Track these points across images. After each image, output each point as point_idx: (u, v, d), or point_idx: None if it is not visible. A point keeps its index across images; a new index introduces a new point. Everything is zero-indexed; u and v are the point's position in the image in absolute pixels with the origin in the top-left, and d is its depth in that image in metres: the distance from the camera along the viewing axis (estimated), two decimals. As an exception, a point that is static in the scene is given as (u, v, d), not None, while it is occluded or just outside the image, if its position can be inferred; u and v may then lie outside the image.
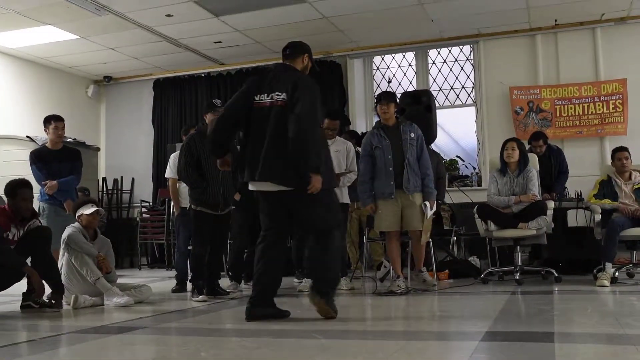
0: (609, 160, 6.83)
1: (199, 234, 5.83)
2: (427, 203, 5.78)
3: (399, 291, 5.62)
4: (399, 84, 10.01)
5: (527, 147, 7.35)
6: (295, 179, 4.11)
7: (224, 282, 6.29)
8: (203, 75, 10.64)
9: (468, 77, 9.65)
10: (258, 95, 4.27)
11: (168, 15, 8.09)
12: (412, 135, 5.79)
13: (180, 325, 4.46)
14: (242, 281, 6.71)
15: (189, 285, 6.28)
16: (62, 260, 5.47)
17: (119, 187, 11.04)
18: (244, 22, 8.45)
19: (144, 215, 10.33)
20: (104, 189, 10.99)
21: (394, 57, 10.11)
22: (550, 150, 7.55)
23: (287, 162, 4.08)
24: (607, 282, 5.72)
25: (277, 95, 4.20)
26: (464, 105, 9.68)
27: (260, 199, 4.35)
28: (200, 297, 5.61)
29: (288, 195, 4.19)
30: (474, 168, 9.41)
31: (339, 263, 4.63)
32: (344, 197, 6.27)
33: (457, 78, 9.73)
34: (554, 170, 7.45)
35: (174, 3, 7.66)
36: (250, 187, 4.36)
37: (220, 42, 9.27)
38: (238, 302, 5.47)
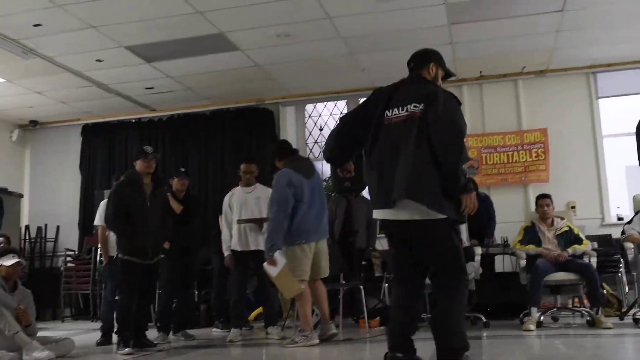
0: (533, 207, 7.05)
1: (126, 284, 5.66)
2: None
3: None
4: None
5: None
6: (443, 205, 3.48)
7: (152, 333, 6.11)
8: (134, 121, 10.50)
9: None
10: (390, 110, 3.66)
11: (98, 60, 7.99)
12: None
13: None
14: (171, 332, 6.54)
15: (114, 338, 6.07)
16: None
17: (43, 235, 10.64)
18: (176, 68, 8.43)
19: (68, 264, 9.96)
20: (27, 237, 10.58)
21: (326, 105, 10.26)
22: (478, 198, 7.74)
23: (434, 182, 3.45)
24: (533, 327, 5.86)
25: (415, 106, 3.58)
26: (394, 152, 9.85)
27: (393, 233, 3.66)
28: (127, 349, 5.42)
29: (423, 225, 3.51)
30: (405, 214, 9.53)
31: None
32: (259, 244, 6.22)
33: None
34: (483, 217, 7.64)
35: (105, 48, 7.58)
36: (382, 215, 3.62)
37: (151, 87, 9.20)
38: (166, 354, 5.33)
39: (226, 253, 6.49)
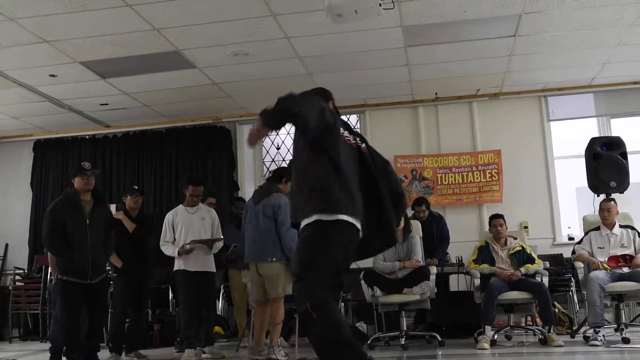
0: (487, 227, 7.16)
1: (67, 305, 5.54)
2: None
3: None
4: (288, 150, 10.14)
5: (411, 212, 7.62)
6: None
7: (104, 354, 5.97)
8: (87, 137, 10.32)
9: (355, 145, 9.92)
10: (340, 129, 3.51)
11: (52, 75, 7.85)
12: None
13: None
14: (123, 352, 6.40)
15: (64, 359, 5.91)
16: None
17: (-9, 254, 10.33)
18: (132, 85, 8.33)
19: (17, 283, 9.68)
20: (-26, 256, 10.26)
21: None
22: (432, 216, 7.87)
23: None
24: (487, 345, 5.93)
25: (360, 141, 3.64)
26: (351, 172, 9.89)
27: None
28: (76, 371, 5.28)
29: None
30: (361, 234, 9.56)
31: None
32: (206, 265, 6.35)
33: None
34: (436, 236, 7.74)
35: (59, 63, 7.44)
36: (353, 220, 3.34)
37: (106, 104, 9.07)
38: (117, 375, 5.19)
39: (175, 250, 6.37)
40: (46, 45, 6.94)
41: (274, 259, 5.63)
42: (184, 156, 9.89)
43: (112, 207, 8.55)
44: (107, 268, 6.33)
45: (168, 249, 6.44)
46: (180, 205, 6.60)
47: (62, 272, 5.53)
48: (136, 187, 7.01)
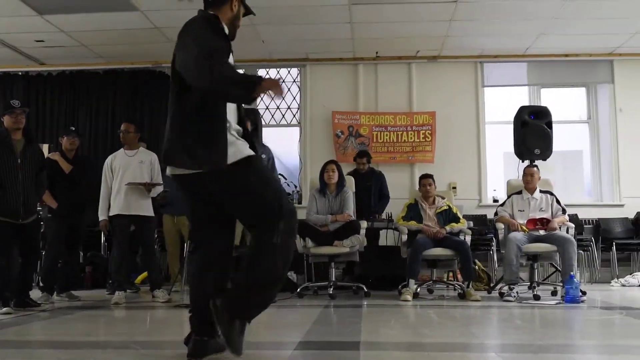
0: (417, 186, 7.43)
1: None
2: None
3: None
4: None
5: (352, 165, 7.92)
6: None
7: (36, 294, 6.00)
8: (20, 73, 10.01)
9: (294, 98, 10.02)
10: None
11: (-15, 8, 7.58)
12: (264, 156, 5.97)
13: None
14: (55, 292, 6.44)
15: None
16: None
17: None
18: (70, 23, 8.12)
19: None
20: None
21: (223, 73, 10.19)
22: (372, 172, 8.10)
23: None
24: (409, 297, 6.25)
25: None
26: (288, 125, 10.02)
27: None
28: (5, 309, 5.29)
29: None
30: (296, 186, 9.76)
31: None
32: (143, 209, 6.36)
33: (283, 98, 10.05)
34: (374, 192, 7.97)
35: (-7, -4, 7.20)
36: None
37: (42, 41, 8.81)
38: (50, 314, 5.26)
39: (101, 218, 6.46)
40: (-19, -24, 6.69)
41: None
42: (122, 99, 9.75)
43: (45, 147, 8.45)
44: (39, 209, 6.30)
45: (102, 198, 6.46)
46: (121, 149, 6.57)
47: (-7, 212, 5.48)
48: (73, 128, 6.91)
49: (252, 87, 2.94)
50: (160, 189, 6.48)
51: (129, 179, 6.32)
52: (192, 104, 3.06)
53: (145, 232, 6.45)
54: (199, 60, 2.91)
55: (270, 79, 2.97)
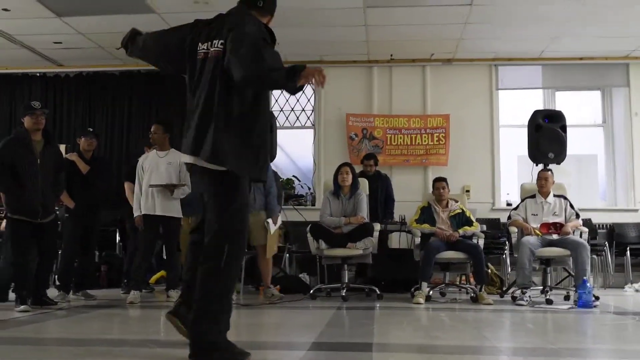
0: (431, 189, 7.44)
1: (16, 243, 5.60)
2: (270, 220, 6.18)
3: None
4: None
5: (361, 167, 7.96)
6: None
7: (52, 292, 6.08)
8: (38, 75, 10.13)
9: (309, 100, 10.06)
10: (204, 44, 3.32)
11: (5, 10, 7.67)
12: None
13: (2, 335, 4.28)
14: (71, 291, 6.52)
15: (11, 295, 6.00)
16: None
17: None
18: (88, 25, 8.21)
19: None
20: None
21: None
22: (379, 175, 8.14)
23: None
24: (422, 300, 6.26)
25: (220, 44, 3.23)
26: (303, 127, 10.07)
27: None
28: (23, 307, 5.38)
29: None
30: (309, 188, 9.79)
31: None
32: (167, 209, 6.42)
33: (298, 100, 10.10)
34: (380, 195, 8.01)
35: (13, -3, 7.30)
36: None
37: (60, 42, 8.92)
38: (66, 312, 5.33)
39: (136, 214, 6.51)
40: (1, -21, 6.79)
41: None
42: (137, 101, 9.84)
43: (62, 148, 8.54)
44: (56, 208, 6.38)
45: (136, 195, 6.53)
46: (153, 149, 6.67)
47: (12, 211, 5.56)
48: (91, 130, 7.00)
49: (296, 75, 3.06)
50: (187, 190, 6.43)
51: (155, 179, 6.39)
52: (245, 104, 3.17)
53: (170, 232, 6.51)
54: (255, 48, 3.07)
55: (313, 66, 3.11)
